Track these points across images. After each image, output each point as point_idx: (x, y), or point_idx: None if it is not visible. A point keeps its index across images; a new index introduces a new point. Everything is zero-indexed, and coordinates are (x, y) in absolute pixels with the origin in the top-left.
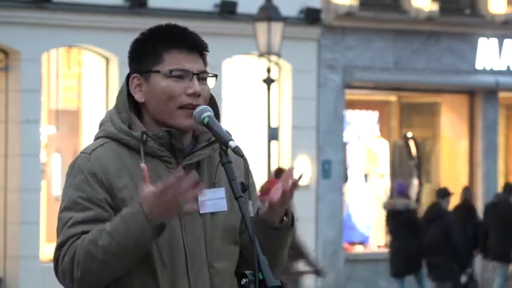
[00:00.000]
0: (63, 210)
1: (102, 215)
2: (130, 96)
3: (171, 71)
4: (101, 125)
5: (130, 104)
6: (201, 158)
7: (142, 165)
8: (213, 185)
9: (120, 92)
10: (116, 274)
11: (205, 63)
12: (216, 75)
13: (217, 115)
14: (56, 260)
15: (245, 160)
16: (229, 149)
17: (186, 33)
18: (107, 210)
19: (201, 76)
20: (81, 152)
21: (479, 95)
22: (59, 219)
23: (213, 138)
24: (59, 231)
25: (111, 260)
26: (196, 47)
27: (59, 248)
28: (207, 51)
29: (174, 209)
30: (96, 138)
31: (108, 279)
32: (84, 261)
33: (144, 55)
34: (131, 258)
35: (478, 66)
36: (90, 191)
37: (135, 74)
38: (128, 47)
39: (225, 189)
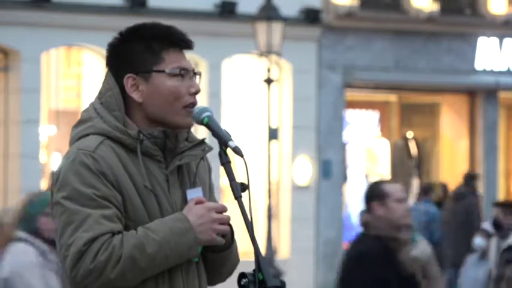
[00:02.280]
0: (72, 203)
1: (119, 215)
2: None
3: (180, 70)
4: (86, 120)
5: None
6: (192, 160)
7: (192, 194)
8: (192, 184)
9: (108, 89)
10: (137, 282)
11: None
12: (199, 74)
13: None
14: (81, 255)
15: (245, 160)
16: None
17: (177, 32)
18: (122, 212)
19: (195, 75)
20: (79, 149)
21: (479, 95)
22: (71, 211)
23: (199, 139)
24: (75, 224)
25: (150, 268)
26: (185, 45)
27: (86, 243)
28: (193, 48)
29: (215, 234)
30: (85, 134)
31: (131, 285)
32: (125, 264)
33: (138, 55)
34: (162, 270)
35: (478, 66)
36: (106, 190)
37: (129, 74)
38: None
39: (201, 188)
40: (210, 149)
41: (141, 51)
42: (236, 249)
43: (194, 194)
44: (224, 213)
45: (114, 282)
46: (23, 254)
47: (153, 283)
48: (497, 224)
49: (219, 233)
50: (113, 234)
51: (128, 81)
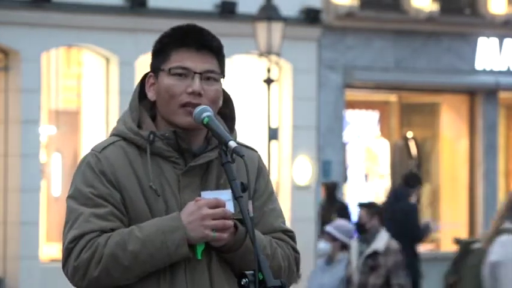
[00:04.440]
0: (73, 202)
1: (117, 213)
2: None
3: (170, 69)
4: (117, 122)
5: (147, 103)
6: (207, 160)
7: (198, 198)
8: (218, 186)
9: (134, 90)
10: (132, 280)
11: (221, 63)
12: (222, 75)
13: (232, 117)
14: (69, 252)
15: (244, 160)
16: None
17: (198, 32)
18: (121, 210)
19: (206, 76)
20: (91, 150)
21: (479, 95)
22: (70, 210)
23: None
24: (70, 223)
25: (136, 266)
26: (205, 46)
27: (72, 241)
28: (215, 51)
29: (208, 230)
30: (110, 136)
31: (124, 283)
32: (107, 263)
33: (156, 53)
34: (156, 268)
35: (478, 66)
36: (103, 189)
37: (151, 73)
38: (128, 47)
39: (229, 191)
40: (230, 149)
41: (160, 50)
42: (267, 251)
43: (215, 196)
44: (220, 208)
45: (100, 280)
46: (510, 245)
47: (155, 279)
48: (361, 227)
49: (213, 228)
50: (103, 232)
51: (149, 80)
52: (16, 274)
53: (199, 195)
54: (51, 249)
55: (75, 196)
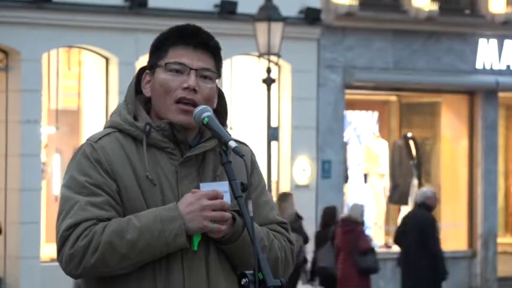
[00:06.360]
0: (68, 190)
1: (112, 203)
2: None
3: (166, 64)
4: (111, 115)
5: (142, 98)
6: (203, 150)
7: (194, 190)
8: (215, 178)
9: (129, 84)
10: (128, 269)
11: (217, 64)
12: (218, 75)
13: (224, 113)
14: (64, 240)
15: (244, 160)
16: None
17: (196, 31)
18: (116, 200)
19: (201, 73)
20: (87, 140)
21: (479, 95)
22: (65, 198)
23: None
24: (65, 211)
25: (133, 255)
26: (201, 45)
27: (68, 229)
28: (212, 51)
29: (207, 221)
30: (104, 128)
31: (120, 272)
32: (104, 250)
33: (154, 51)
34: (153, 258)
35: (478, 66)
36: (99, 178)
37: (147, 71)
38: (128, 47)
39: (226, 183)
40: (229, 149)
41: (157, 47)
42: (264, 243)
43: (213, 188)
44: (218, 200)
45: (96, 267)
46: None
47: (150, 269)
48: None
49: (212, 219)
50: (99, 220)
51: (145, 77)
52: (16, 274)
53: (197, 187)
54: (51, 249)
55: (69, 185)
